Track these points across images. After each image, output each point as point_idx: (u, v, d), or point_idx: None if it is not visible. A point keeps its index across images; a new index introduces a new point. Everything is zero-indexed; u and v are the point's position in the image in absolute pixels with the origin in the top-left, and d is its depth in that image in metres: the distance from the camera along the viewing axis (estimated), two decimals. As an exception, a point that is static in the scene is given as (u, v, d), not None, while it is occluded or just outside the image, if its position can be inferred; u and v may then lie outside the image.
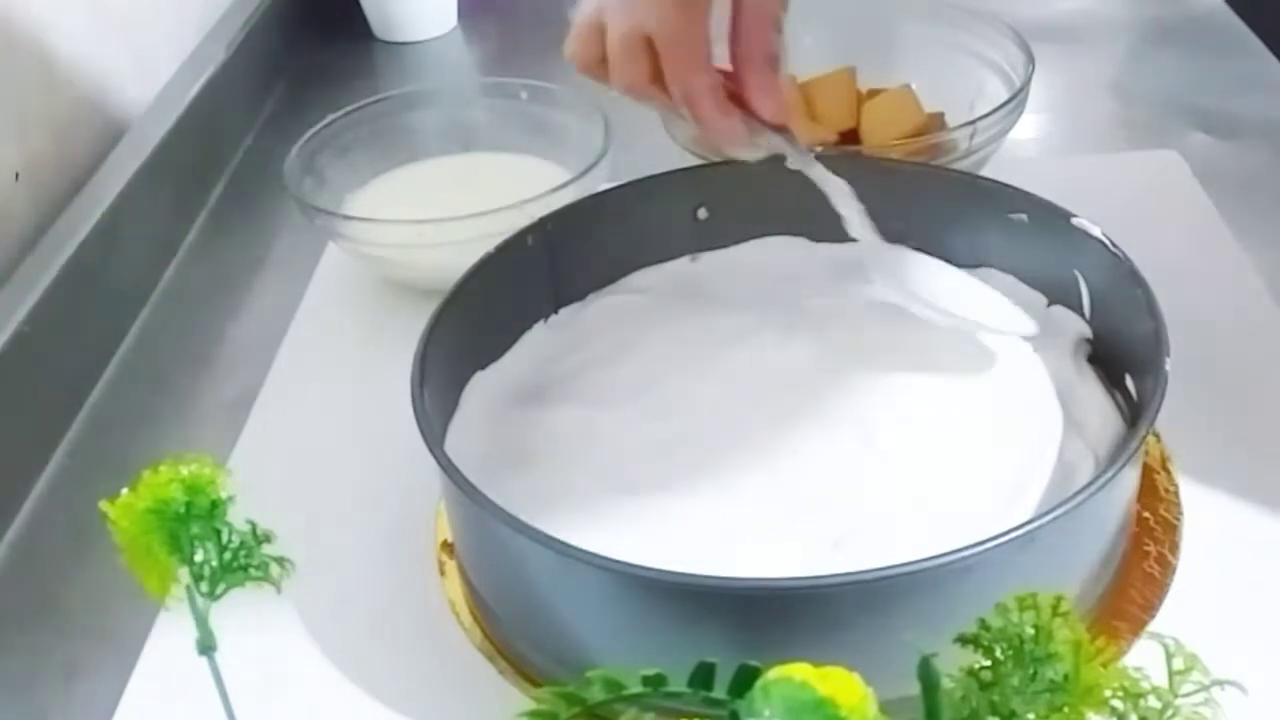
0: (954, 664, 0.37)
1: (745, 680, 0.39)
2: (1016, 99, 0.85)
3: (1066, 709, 0.36)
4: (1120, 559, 0.61)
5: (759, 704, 0.36)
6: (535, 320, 0.75)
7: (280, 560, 0.47)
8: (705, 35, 0.69)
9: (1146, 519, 0.64)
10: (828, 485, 0.63)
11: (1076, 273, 0.69)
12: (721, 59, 0.71)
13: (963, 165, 0.83)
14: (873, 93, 0.92)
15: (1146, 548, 0.63)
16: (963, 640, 0.38)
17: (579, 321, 0.75)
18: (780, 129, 0.71)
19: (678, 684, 0.41)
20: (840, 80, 0.92)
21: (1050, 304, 0.71)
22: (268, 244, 1.00)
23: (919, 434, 0.65)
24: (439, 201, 0.89)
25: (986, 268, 0.74)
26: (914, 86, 0.90)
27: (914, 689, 0.38)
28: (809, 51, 0.96)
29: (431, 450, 0.58)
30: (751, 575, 0.52)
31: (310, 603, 0.65)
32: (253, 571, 0.47)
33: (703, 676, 0.41)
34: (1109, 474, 0.54)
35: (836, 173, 0.72)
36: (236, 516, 0.46)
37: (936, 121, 0.90)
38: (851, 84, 0.92)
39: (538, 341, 0.74)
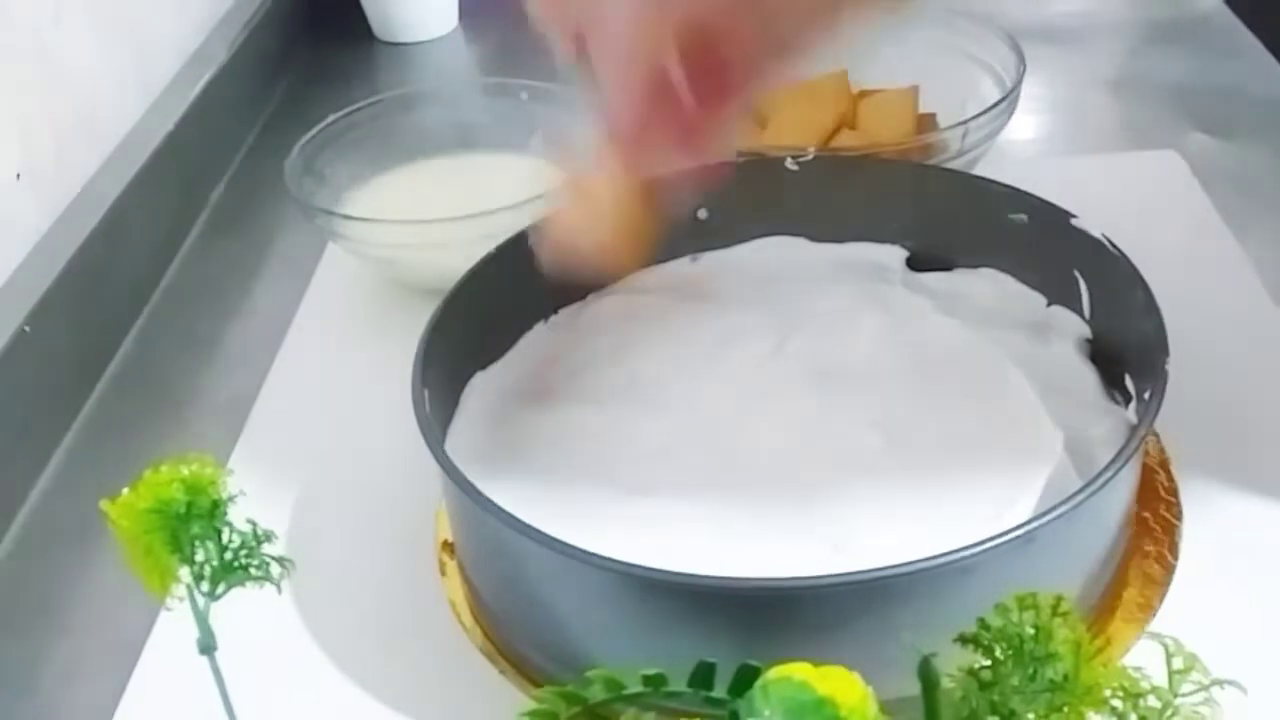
0: (954, 663, 0.37)
1: (745, 680, 0.39)
2: (1008, 99, 0.86)
3: (1066, 709, 0.36)
4: (1120, 559, 0.61)
5: (759, 704, 0.36)
6: (536, 320, 0.75)
7: (281, 560, 0.47)
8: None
9: (1146, 519, 0.64)
10: (828, 486, 0.62)
11: (1076, 273, 0.69)
12: None
13: (954, 165, 0.83)
14: (865, 93, 0.92)
15: (1146, 548, 0.63)
16: (963, 640, 0.38)
17: (579, 322, 0.75)
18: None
19: (678, 684, 0.41)
20: (834, 81, 0.92)
21: (1050, 304, 0.71)
22: (268, 244, 0.99)
23: (917, 434, 0.65)
24: (439, 202, 0.88)
25: (986, 268, 0.74)
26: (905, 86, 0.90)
27: (914, 688, 0.38)
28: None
29: (432, 450, 0.58)
30: (751, 574, 0.52)
31: (311, 602, 0.65)
32: (253, 571, 0.47)
33: (703, 676, 0.41)
34: (1108, 474, 0.54)
35: (841, 171, 0.72)
36: (237, 516, 0.46)
37: (928, 122, 0.90)
38: (845, 85, 0.92)
39: (538, 342, 0.74)
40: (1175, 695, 0.35)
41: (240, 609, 0.47)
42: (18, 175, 0.84)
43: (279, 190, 0.88)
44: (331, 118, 0.94)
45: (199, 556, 0.47)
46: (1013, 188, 0.72)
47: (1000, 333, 0.70)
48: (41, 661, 0.66)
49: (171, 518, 0.46)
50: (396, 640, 0.63)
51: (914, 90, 0.90)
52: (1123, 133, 1.02)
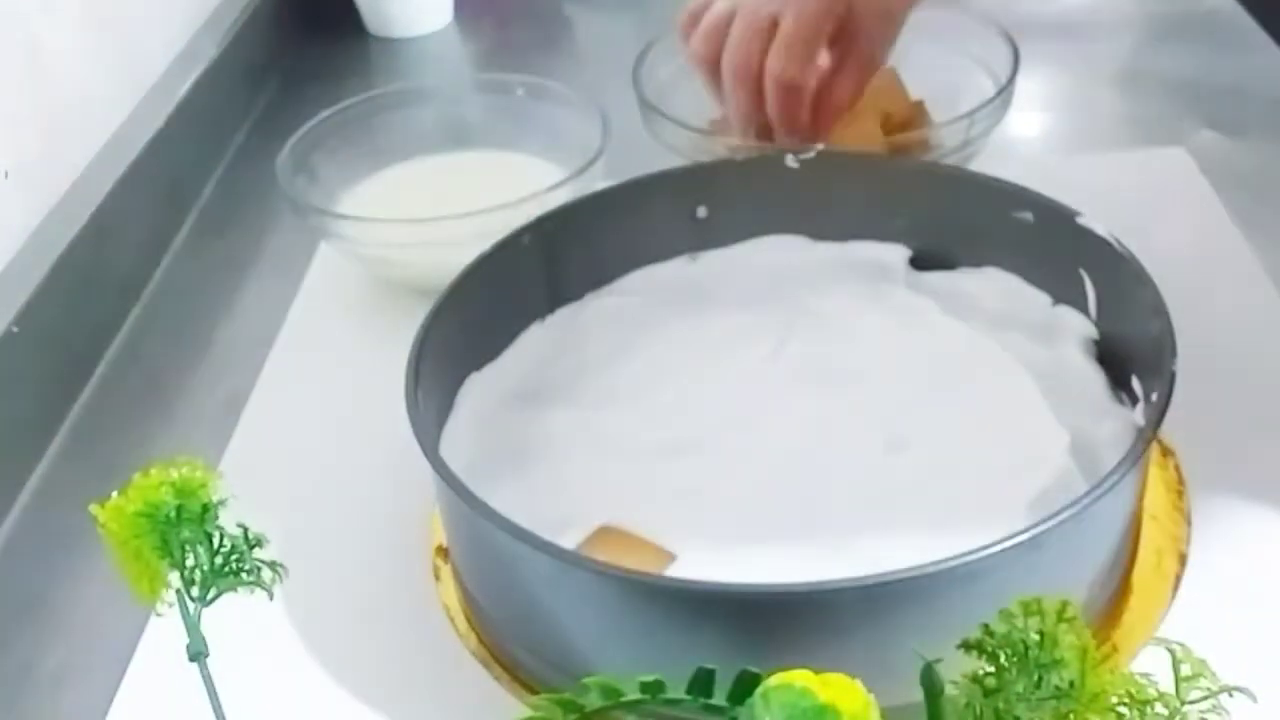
0: (958, 670, 0.37)
1: (745, 687, 0.39)
2: (1002, 95, 0.85)
3: (1072, 716, 0.36)
4: (1126, 563, 0.61)
5: (759, 711, 0.36)
6: (531, 321, 0.74)
7: (272, 565, 0.47)
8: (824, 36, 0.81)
9: (1153, 522, 0.64)
10: (830, 489, 0.62)
11: (1082, 272, 0.69)
12: None
13: (949, 161, 0.82)
14: None
15: (1153, 552, 0.62)
16: (967, 646, 0.38)
17: (576, 322, 0.75)
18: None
19: (676, 690, 0.41)
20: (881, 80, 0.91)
21: (1055, 304, 0.71)
22: (260, 243, 0.99)
23: (920, 436, 0.65)
24: (433, 200, 0.88)
25: (990, 267, 0.73)
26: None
27: (917, 695, 0.38)
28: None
29: (426, 453, 0.58)
30: (751, 580, 0.52)
31: (303, 608, 0.64)
32: (244, 576, 0.47)
33: (702, 683, 0.41)
34: (1115, 477, 0.54)
35: (842, 169, 0.72)
36: (228, 520, 0.46)
37: (920, 113, 0.90)
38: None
39: (534, 342, 0.74)
40: (1183, 702, 0.35)
41: (231, 614, 0.46)
42: (5, 173, 0.84)
43: (270, 189, 0.88)
44: (324, 115, 0.93)
45: (189, 561, 0.47)
46: (1018, 186, 0.71)
47: (1005, 333, 0.70)
48: (30, 668, 0.66)
49: (161, 522, 0.46)
50: (390, 646, 0.63)
51: (893, 71, 0.89)
52: (1130, 130, 1.01)
